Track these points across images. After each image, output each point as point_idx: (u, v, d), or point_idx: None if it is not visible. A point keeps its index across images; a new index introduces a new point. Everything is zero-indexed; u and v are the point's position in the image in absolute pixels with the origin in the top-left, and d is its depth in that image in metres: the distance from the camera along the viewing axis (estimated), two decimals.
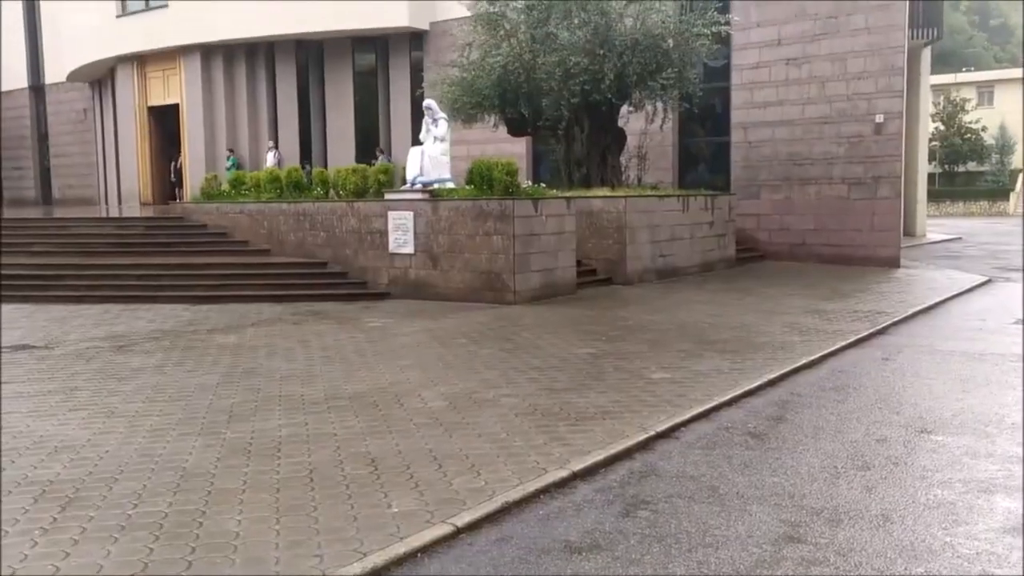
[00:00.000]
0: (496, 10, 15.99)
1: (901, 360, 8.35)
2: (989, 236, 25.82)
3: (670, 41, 15.18)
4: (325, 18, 22.06)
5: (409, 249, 12.75)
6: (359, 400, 6.57)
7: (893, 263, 16.39)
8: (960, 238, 24.72)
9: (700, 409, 6.23)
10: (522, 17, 16.26)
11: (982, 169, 46.91)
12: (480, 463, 4.95)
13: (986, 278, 15.02)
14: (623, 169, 16.63)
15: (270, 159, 22.96)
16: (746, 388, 6.90)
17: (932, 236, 24.78)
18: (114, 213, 21.67)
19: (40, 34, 31.95)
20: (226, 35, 23.21)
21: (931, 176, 39.99)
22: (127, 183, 26.79)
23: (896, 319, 10.52)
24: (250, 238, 15.16)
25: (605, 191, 14.79)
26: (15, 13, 32.67)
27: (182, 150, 24.94)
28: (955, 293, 13.11)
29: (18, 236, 16.03)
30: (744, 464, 5.15)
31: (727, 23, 15.43)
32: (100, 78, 28.73)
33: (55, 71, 30.90)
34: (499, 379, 7.23)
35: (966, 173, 47.50)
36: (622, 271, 13.82)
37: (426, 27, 21.91)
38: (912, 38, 19.39)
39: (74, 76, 29.17)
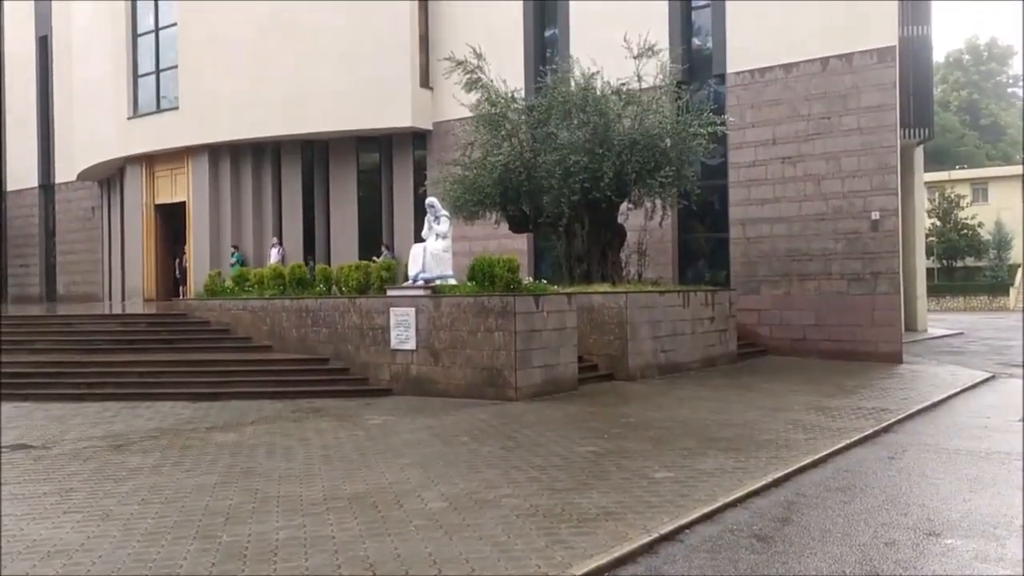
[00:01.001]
0: (497, 111, 16.45)
1: (907, 459, 8.25)
2: (991, 331, 25.82)
3: (668, 140, 15.55)
4: (331, 118, 22.65)
5: (411, 345, 12.76)
6: (358, 501, 6.47)
7: (895, 358, 16.35)
8: (962, 333, 24.72)
9: (705, 510, 6.12)
10: (523, 118, 16.73)
11: (980, 264, 47.27)
12: (480, 567, 4.85)
13: (989, 374, 14.96)
14: (623, 265, 16.80)
15: (274, 255, 23.21)
16: (751, 488, 6.79)
17: (933, 331, 24.79)
18: (117, 310, 21.79)
19: (52, 134, 32.75)
20: (234, 135, 23.78)
21: (930, 271, 40.29)
22: (131, 280, 27.02)
23: (900, 416, 10.44)
24: (252, 334, 15.20)
25: (606, 287, 14.90)
26: (29, 113, 33.56)
27: (187, 247, 25.24)
28: (959, 390, 13.03)
29: (20, 333, 16.08)
30: (751, 569, 5.03)
31: (722, 123, 15.84)
32: (109, 177, 29.31)
33: (65, 170, 31.57)
34: (500, 479, 7.13)
35: (965, 268, 47.84)
36: (624, 367, 13.79)
37: (429, 127, 22.48)
38: (904, 137, 19.85)
39: (84, 175, 29.78)
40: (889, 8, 16.70)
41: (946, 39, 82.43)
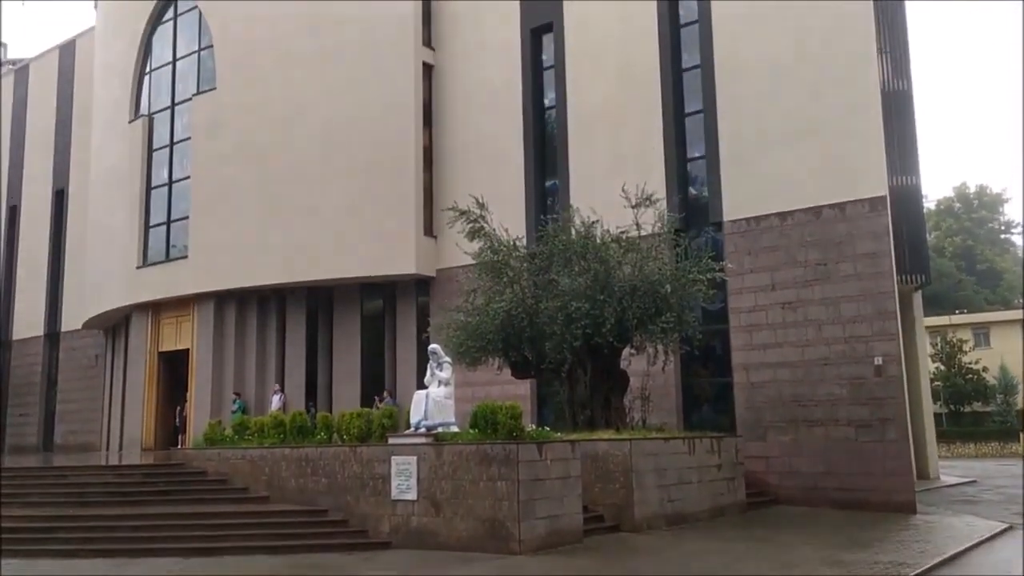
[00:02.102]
0: (500, 258, 16.74)
1: None
2: (1004, 479, 25.21)
3: (668, 287, 15.72)
4: (336, 266, 23.06)
5: (412, 495, 12.45)
6: None
7: (909, 508, 15.88)
8: (975, 481, 24.13)
9: None
10: (525, 265, 17.03)
11: (988, 409, 46.77)
12: None
13: (1006, 525, 14.49)
14: (627, 411, 16.64)
15: (275, 402, 23.06)
16: None
17: (946, 479, 24.22)
18: (114, 460, 21.46)
19: (62, 284, 33.30)
20: (240, 283, 24.14)
21: (938, 416, 39.77)
22: (131, 429, 26.73)
23: (919, 571, 10.05)
24: (249, 484, 14.88)
25: (610, 433, 14.70)
26: (41, 263, 34.23)
27: (189, 395, 25.12)
28: (976, 542, 12.60)
29: (14, 486, 15.72)
30: None
31: (721, 269, 16.08)
32: (115, 325, 29.55)
33: (71, 319, 31.90)
34: None
35: (973, 413, 47.29)
36: (630, 517, 13.39)
37: (433, 274, 22.82)
38: (902, 283, 20.08)
39: (89, 324, 30.05)
40: (877, 160, 17.26)
41: (936, 186, 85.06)
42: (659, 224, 16.54)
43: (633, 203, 16.18)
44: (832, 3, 17.91)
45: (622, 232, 16.29)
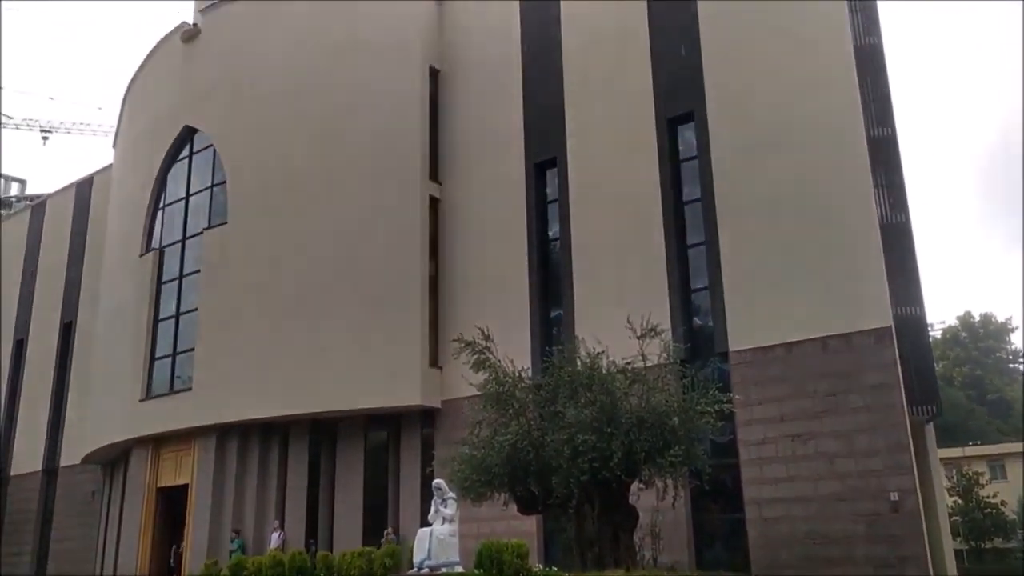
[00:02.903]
0: (505, 390, 16.57)
1: None
2: None
3: (675, 419, 15.46)
4: (340, 398, 22.89)
5: None
6: None
7: None
8: None
9: None
10: (530, 396, 16.83)
11: (1009, 546, 45.19)
12: None
13: None
14: (637, 548, 16.07)
15: (274, 540, 22.39)
16: None
17: None
18: None
19: (63, 418, 33.02)
20: (243, 416, 23.94)
21: (958, 553, 38.40)
22: (124, 567, 25.90)
23: None
24: None
25: (619, 574, 14.14)
26: (43, 397, 34.07)
27: (186, 532, 24.44)
28: None
29: None
30: None
31: (729, 401, 15.84)
32: (114, 460, 29.14)
33: (71, 454, 31.48)
34: None
35: (994, 550, 45.66)
36: None
37: (438, 405, 22.61)
38: (913, 414, 19.79)
39: (89, 458, 29.62)
40: (880, 291, 17.37)
41: (940, 315, 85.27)
42: (665, 355, 16.44)
43: (638, 334, 16.14)
44: (829, 140, 18.50)
45: (628, 363, 16.18)
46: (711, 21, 20.73)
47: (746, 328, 18.66)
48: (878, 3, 21.27)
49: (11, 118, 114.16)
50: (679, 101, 20.92)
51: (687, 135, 21.06)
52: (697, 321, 20.19)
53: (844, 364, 17.29)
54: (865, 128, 18.50)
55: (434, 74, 25.31)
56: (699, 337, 19.76)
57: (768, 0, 19.96)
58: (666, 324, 18.09)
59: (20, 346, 36.54)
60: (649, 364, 16.15)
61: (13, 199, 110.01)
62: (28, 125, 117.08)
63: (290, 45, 26.31)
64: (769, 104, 19.54)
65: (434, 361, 22.94)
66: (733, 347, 18.76)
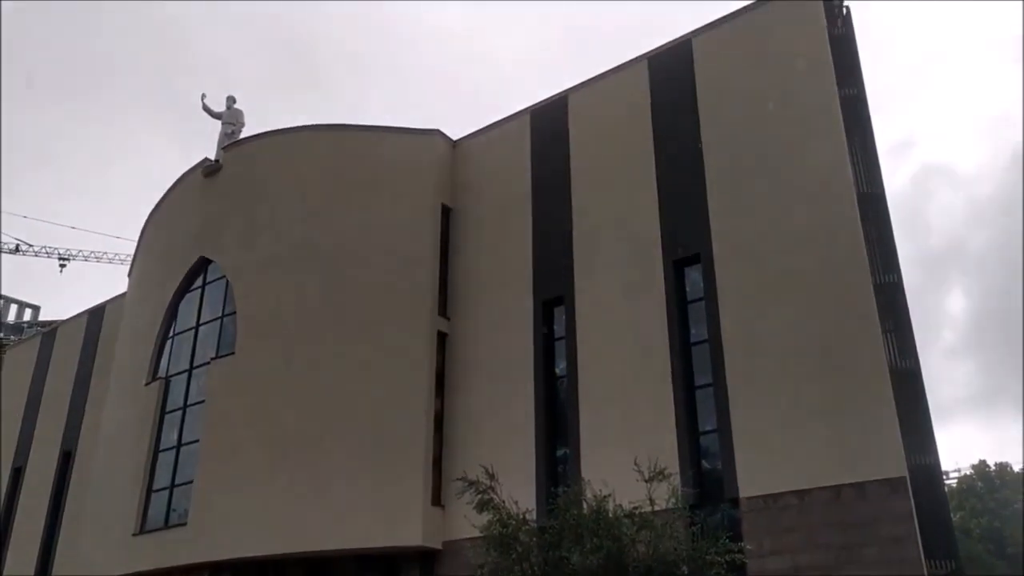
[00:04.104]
0: (508, 532, 16.06)
1: None
2: None
3: (684, 568, 14.91)
4: (337, 536, 22.20)
5: None
6: None
7: None
8: None
9: None
10: (534, 540, 16.25)
11: None
12: None
13: None
14: None
15: None
16: None
17: None
18: None
19: (54, 552, 31.97)
20: (238, 553, 23.20)
21: None
22: None
23: None
24: None
25: None
26: (34, 536, 33.16)
27: None
28: None
29: None
30: None
31: (740, 551, 15.28)
32: None
33: None
34: None
35: None
36: None
37: (439, 546, 21.91)
38: (931, 568, 19.03)
39: None
40: (893, 439, 17.06)
41: (954, 462, 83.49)
42: (673, 499, 15.99)
43: (646, 477, 15.77)
44: (835, 286, 18.67)
45: (635, 507, 15.72)
46: (718, 167, 21.33)
47: (756, 473, 18.24)
48: (878, 153, 21.91)
49: (31, 245, 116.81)
50: (686, 243, 21.27)
51: (694, 276, 21.28)
52: (706, 464, 19.77)
53: (858, 515, 16.77)
54: (871, 274, 18.69)
55: (446, 211, 25.92)
56: (708, 481, 19.30)
57: (772, 150, 20.62)
58: (674, 467, 17.66)
59: (17, 474, 35.90)
60: (657, 509, 15.72)
61: (25, 325, 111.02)
62: (47, 252, 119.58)
63: (305, 180, 27.10)
64: (775, 249, 19.83)
65: (436, 500, 22.39)
66: (743, 493, 18.28)
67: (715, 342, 19.91)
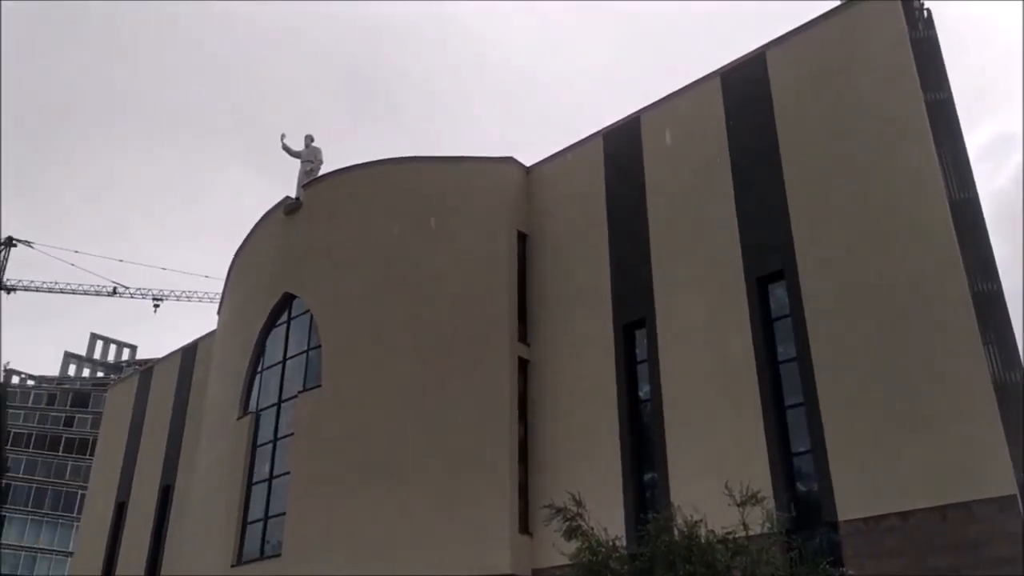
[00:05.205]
0: (598, 559, 15.81)
1: None
2: None
3: None
4: (428, 565, 22.14)
5: None
6: None
7: None
8: None
9: None
10: (625, 567, 15.97)
11: None
12: None
13: None
14: None
15: None
16: None
17: None
18: None
19: None
20: None
21: None
22: None
23: None
24: None
25: None
26: (138, 563, 34.18)
27: None
28: None
29: None
30: None
31: (841, 575, 14.76)
32: None
33: None
34: None
35: None
36: None
37: (528, 574, 21.71)
38: None
39: None
40: (1001, 455, 16.22)
41: None
42: (768, 524, 15.50)
43: (738, 501, 15.34)
44: (930, 296, 17.94)
45: (728, 533, 15.30)
46: (798, 180, 20.82)
47: (855, 495, 17.55)
48: (969, 158, 21.10)
49: (127, 287, 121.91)
50: (768, 259, 20.77)
51: (778, 293, 20.75)
52: (801, 487, 19.13)
53: (966, 536, 15.96)
54: (968, 283, 17.90)
55: (522, 237, 25.96)
56: (804, 504, 18.65)
57: (855, 160, 20.03)
58: (767, 490, 17.14)
59: (121, 509, 37.18)
60: (751, 534, 15.26)
61: (124, 364, 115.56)
62: (141, 294, 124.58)
63: (382, 214, 27.54)
64: (863, 261, 19.19)
65: (524, 527, 22.24)
66: (842, 516, 17.59)
67: (804, 360, 19.33)
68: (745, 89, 22.58)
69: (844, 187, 20.06)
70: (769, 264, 20.75)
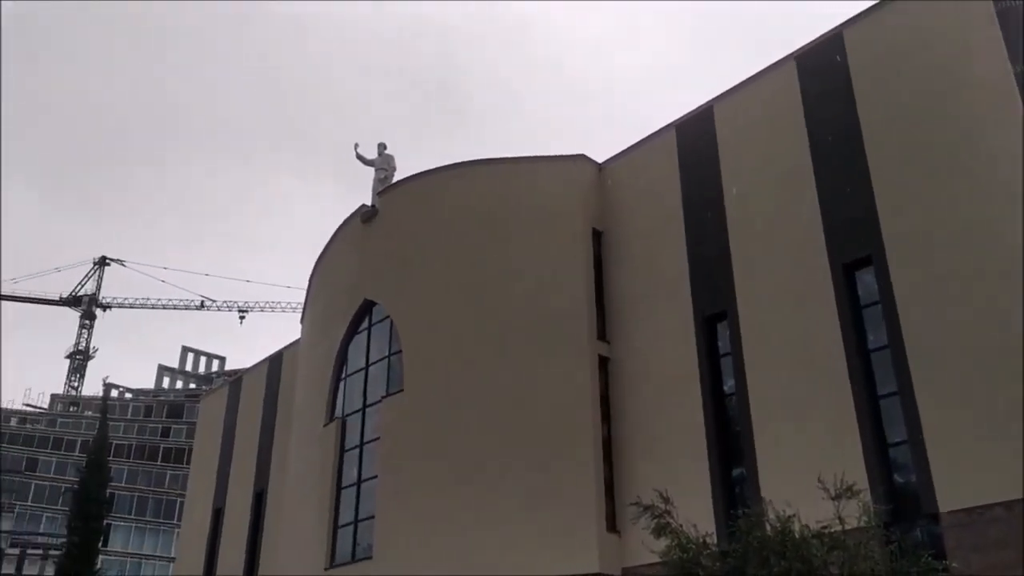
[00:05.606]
0: (689, 556, 15.59)
1: None
2: None
3: None
4: (515, 566, 22.18)
5: None
6: None
7: None
8: None
9: None
10: (717, 565, 15.70)
11: None
12: None
13: None
14: None
15: None
16: None
17: None
18: None
19: None
20: None
21: None
22: None
23: None
24: None
25: None
26: (236, 566, 35.21)
27: None
28: None
29: None
30: None
31: (945, 569, 14.19)
32: None
33: None
34: None
35: None
36: None
37: (618, 573, 21.58)
38: None
39: None
40: None
41: None
42: (864, 517, 15.03)
43: (833, 494, 14.91)
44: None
45: (823, 527, 14.89)
46: (883, 162, 20.11)
47: (956, 485, 16.87)
48: None
49: (213, 301, 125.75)
50: (854, 245, 20.14)
51: (866, 279, 20.10)
52: (898, 478, 18.49)
53: None
54: None
55: (597, 235, 25.80)
56: (902, 496, 18.04)
57: (942, 138, 19.27)
58: (862, 483, 16.62)
59: (218, 515, 38.38)
60: (848, 527, 14.82)
61: (214, 375, 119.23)
62: (228, 306, 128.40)
63: (457, 217, 27.75)
64: (955, 243, 18.40)
65: (612, 526, 22.10)
66: (943, 508, 16.94)
67: (896, 347, 18.67)
68: (822, 71, 21.94)
69: (931, 167, 19.29)
70: (856, 250, 20.11)
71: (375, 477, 26.74)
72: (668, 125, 25.39)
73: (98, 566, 45.13)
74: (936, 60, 19.88)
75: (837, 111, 21.26)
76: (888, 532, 15.49)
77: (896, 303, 18.90)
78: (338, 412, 29.71)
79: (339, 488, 28.21)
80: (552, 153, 27.48)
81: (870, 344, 19.59)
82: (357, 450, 28.30)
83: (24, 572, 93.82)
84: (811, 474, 15.41)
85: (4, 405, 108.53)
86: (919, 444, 17.69)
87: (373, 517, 26.08)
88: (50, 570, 75.80)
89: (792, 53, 22.84)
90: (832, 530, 14.84)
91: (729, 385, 22.00)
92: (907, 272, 18.98)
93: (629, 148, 26.43)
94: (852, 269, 20.28)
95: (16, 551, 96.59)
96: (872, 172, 20.18)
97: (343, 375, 30.29)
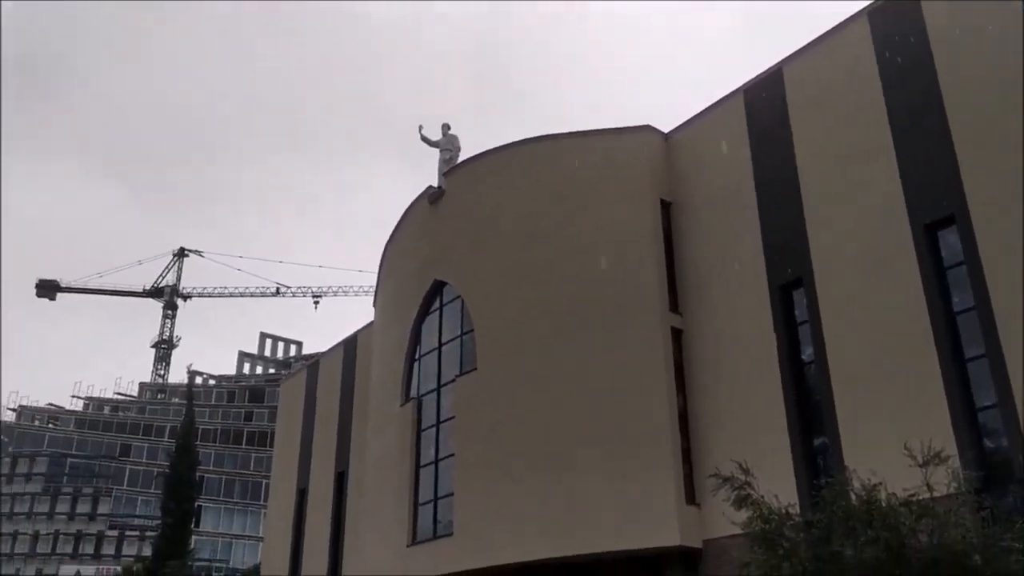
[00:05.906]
0: (771, 527, 15.37)
1: None
2: None
3: (977, 557, 13.54)
4: (594, 540, 22.35)
5: None
6: None
7: None
8: None
9: None
10: (801, 535, 15.46)
11: None
12: None
13: None
14: None
15: None
16: None
17: None
18: None
19: (340, 568, 34.72)
20: (500, 560, 23.90)
21: None
22: None
23: None
24: None
25: None
26: (322, 546, 36.18)
27: None
28: None
29: None
30: None
31: None
32: None
33: None
34: None
35: None
36: None
37: (699, 545, 21.46)
38: None
39: None
40: None
41: None
42: (954, 484, 14.59)
43: (920, 461, 14.51)
44: None
45: (911, 495, 14.51)
46: (964, 118, 19.30)
47: None
48: None
49: (288, 287, 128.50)
50: (936, 205, 19.44)
51: (949, 239, 19.41)
52: (988, 444, 17.91)
53: None
54: None
55: (665, 206, 25.47)
56: (992, 462, 17.47)
57: None
58: (950, 449, 16.15)
59: (303, 495, 39.42)
60: (936, 495, 14.41)
61: (292, 360, 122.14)
62: (302, 292, 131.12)
63: (524, 194, 27.69)
64: None
65: (691, 498, 21.96)
66: None
67: (983, 309, 18.00)
68: (897, 26, 21.12)
69: (1014, 121, 18.45)
70: (937, 210, 19.41)
71: (452, 455, 27.06)
72: (736, 91, 24.83)
73: (191, 546, 46.96)
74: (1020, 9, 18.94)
75: (914, 67, 20.47)
76: (979, 499, 14.98)
77: (982, 263, 18.21)
78: (413, 392, 30.10)
79: (418, 467, 28.63)
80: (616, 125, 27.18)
81: (956, 306, 18.94)
82: (433, 429, 28.65)
83: (123, 552, 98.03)
84: (896, 442, 15.02)
85: (97, 394, 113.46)
86: (1010, 407, 17.08)
87: (452, 495, 26.42)
88: (147, 550, 79.11)
89: (864, 8, 22.06)
90: (920, 498, 14.47)
91: (807, 354, 21.56)
92: (992, 231, 18.24)
93: (696, 116, 25.95)
94: (934, 229, 19.60)
95: (115, 533, 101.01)
96: (953, 129, 19.40)
97: (417, 356, 30.63)
